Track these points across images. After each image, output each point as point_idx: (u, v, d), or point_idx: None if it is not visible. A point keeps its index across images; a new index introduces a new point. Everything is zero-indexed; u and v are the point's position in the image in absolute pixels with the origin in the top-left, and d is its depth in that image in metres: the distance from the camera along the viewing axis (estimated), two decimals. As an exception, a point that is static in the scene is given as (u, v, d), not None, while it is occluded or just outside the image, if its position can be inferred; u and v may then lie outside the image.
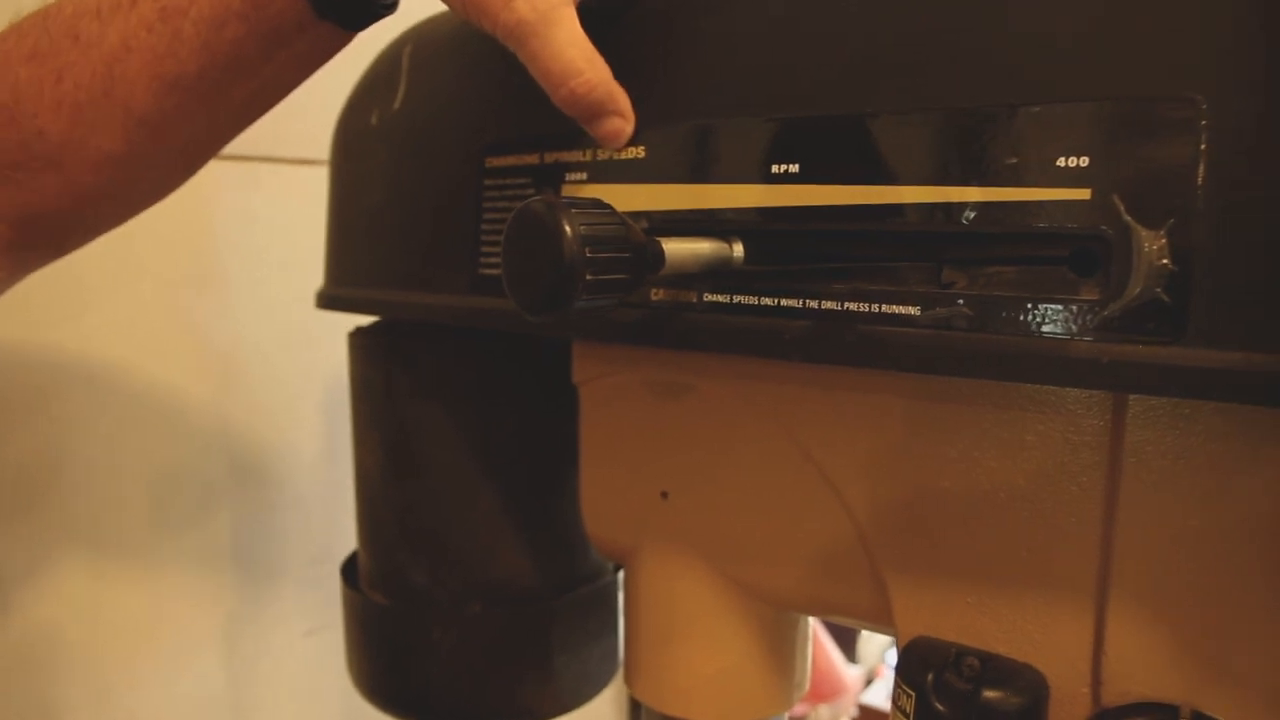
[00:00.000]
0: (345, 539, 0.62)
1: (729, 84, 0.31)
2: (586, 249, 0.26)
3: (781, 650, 0.41)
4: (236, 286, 0.66)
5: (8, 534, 0.59)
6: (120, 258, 0.62)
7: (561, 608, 0.47)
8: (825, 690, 1.22)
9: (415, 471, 0.47)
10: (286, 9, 0.33)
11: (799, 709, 1.23)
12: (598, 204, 0.28)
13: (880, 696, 1.17)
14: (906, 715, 0.31)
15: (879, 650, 1.29)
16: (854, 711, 1.18)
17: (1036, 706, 0.30)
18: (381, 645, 0.49)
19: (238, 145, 0.54)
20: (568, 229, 0.26)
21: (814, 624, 1.20)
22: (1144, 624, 0.28)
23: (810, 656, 0.44)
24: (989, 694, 0.30)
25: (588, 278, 0.26)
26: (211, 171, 0.58)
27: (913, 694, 0.30)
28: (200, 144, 0.39)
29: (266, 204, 0.68)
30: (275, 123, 0.40)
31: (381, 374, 0.47)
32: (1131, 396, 0.27)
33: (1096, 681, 0.29)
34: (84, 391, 0.61)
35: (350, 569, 0.52)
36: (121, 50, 0.34)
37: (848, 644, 1.29)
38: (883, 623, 0.34)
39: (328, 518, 0.75)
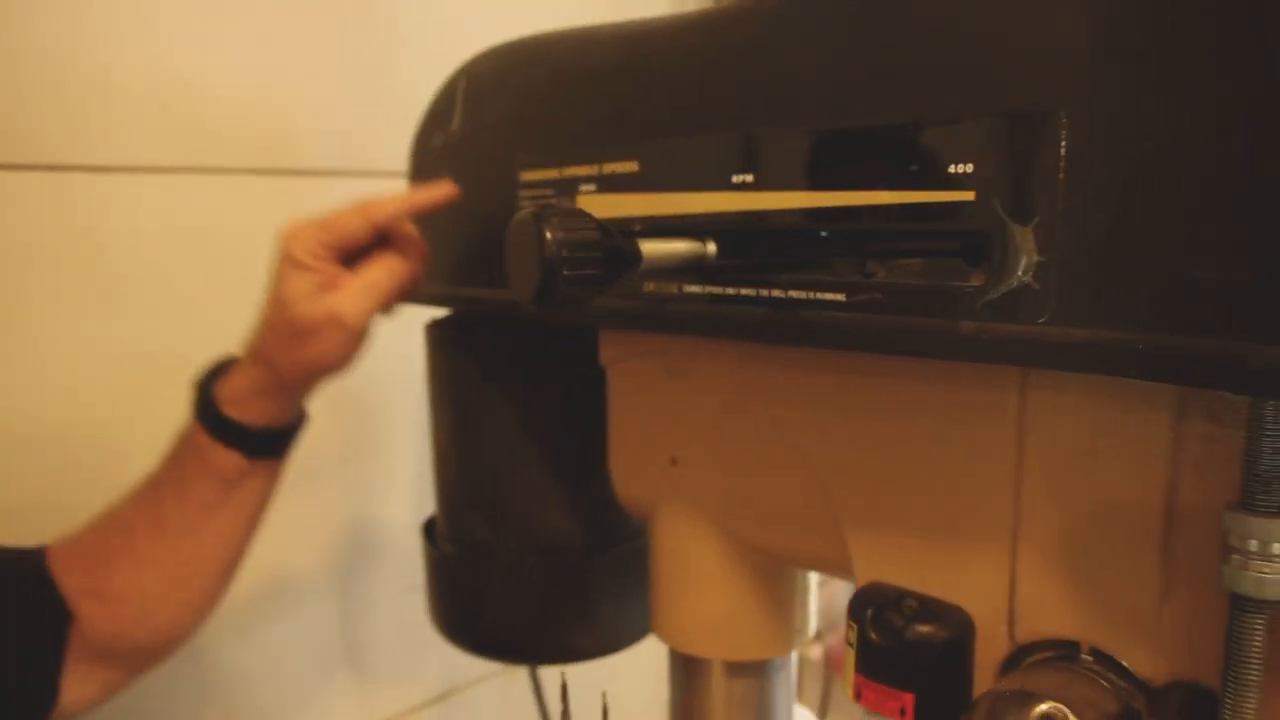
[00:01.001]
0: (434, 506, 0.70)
1: (695, 109, 0.37)
2: (564, 250, 0.32)
3: (779, 599, 0.46)
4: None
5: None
6: (248, 265, 0.72)
7: (602, 563, 0.54)
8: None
9: (477, 444, 0.54)
10: (229, 466, 0.49)
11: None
12: (578, 214, 0.34)
13: None
14: (852, 646, 0.36)
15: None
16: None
17: (962, 640, 0.34)
18: (452, 591, 0.57)
19: (326, 159, 0.62)
20: (548, 234, 0.32)
21: None
22: (1046, 571, 0.32)
23: (812, 606, 0.48)
24: (921, 628, 0.34)
25: (565, 273, 0.33)
26: (327, 185, 0.68)
27: (855, 627, 0.35)
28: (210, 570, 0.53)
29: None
30: (373, 142, 0.48)
31: (448, 361, 0.54)
32: (1031, 373, 0.32)
33: (1011, 620, 0.33)
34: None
35: (430, 528, 0.60)
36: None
37: None
38: (846, 572, 0.39)
39: (422, 489, 0.84)
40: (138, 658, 0.52)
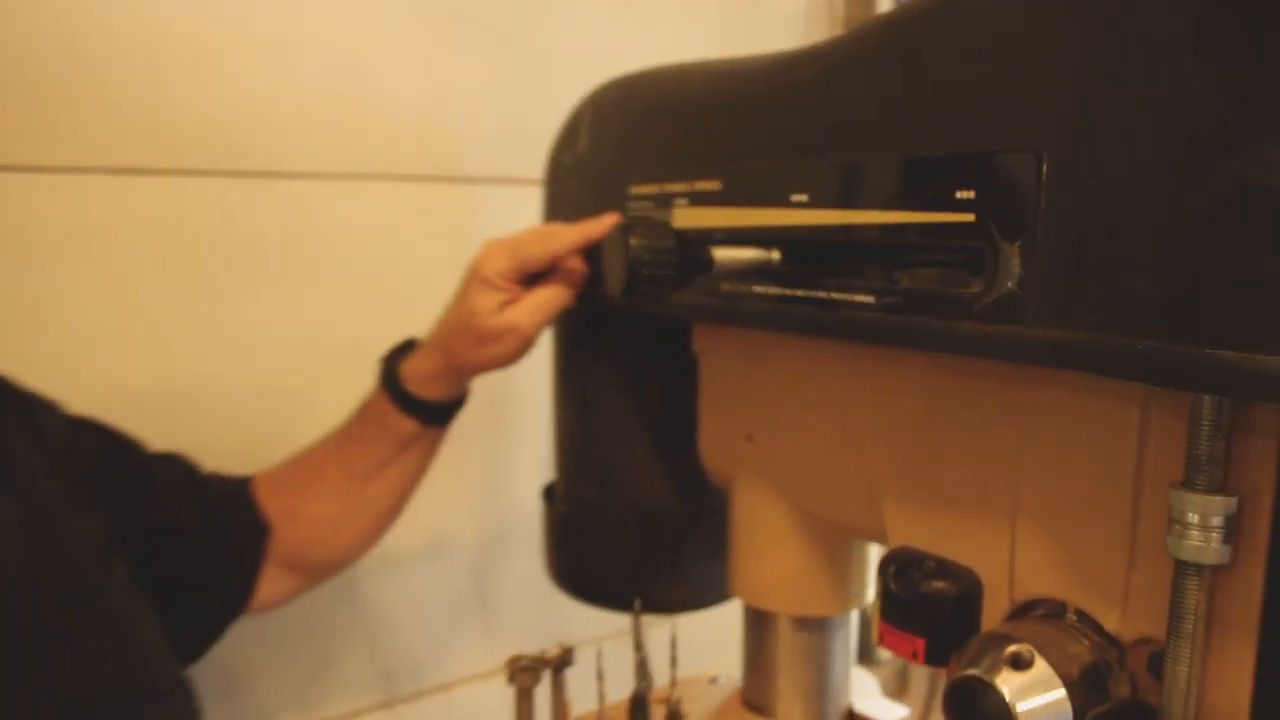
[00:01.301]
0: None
1: (763, 139, 0.44)
2: (645, 254, 0.41)
3: (840, 565, 0.53)
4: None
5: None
6: (418, 258, 0.84)
7: (693, 528, 0.61)
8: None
9: (591, 421, 0.63)
10: (406, 429, 0.61)
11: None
12: (660, 225, 0.42)
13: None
14: (879, 597, 0.42)
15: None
16: None
17: (970, 597, 0.40)
18: (565, 545, 0.66)
19: (493, 168, 0.73)
20: (632, 242, 0.41)
21: None
22: (1040, 541, 0.37)
23: (870, 575, 0.54)
24: (935, 584, 0.40)
25: (645, 273, 0.41)
26: (479, 190, 0.79)
27: (882, 581, 0.42)
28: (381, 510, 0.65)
29: (513, 211, 0.88)
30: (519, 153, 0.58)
31: (569, 351, 0.63)
32: (1026, 370, 0.37)
33: (1011, 582, 0.39)
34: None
35: (549, 492, 0.70)
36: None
37: None
38: (882, 538, 0.45)
39: (545, 464, 0.94)
40: (316, 571, 0.65)
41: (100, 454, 0.58)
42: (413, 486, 0.65)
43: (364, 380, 0.73)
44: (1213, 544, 0.31)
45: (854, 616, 0.56)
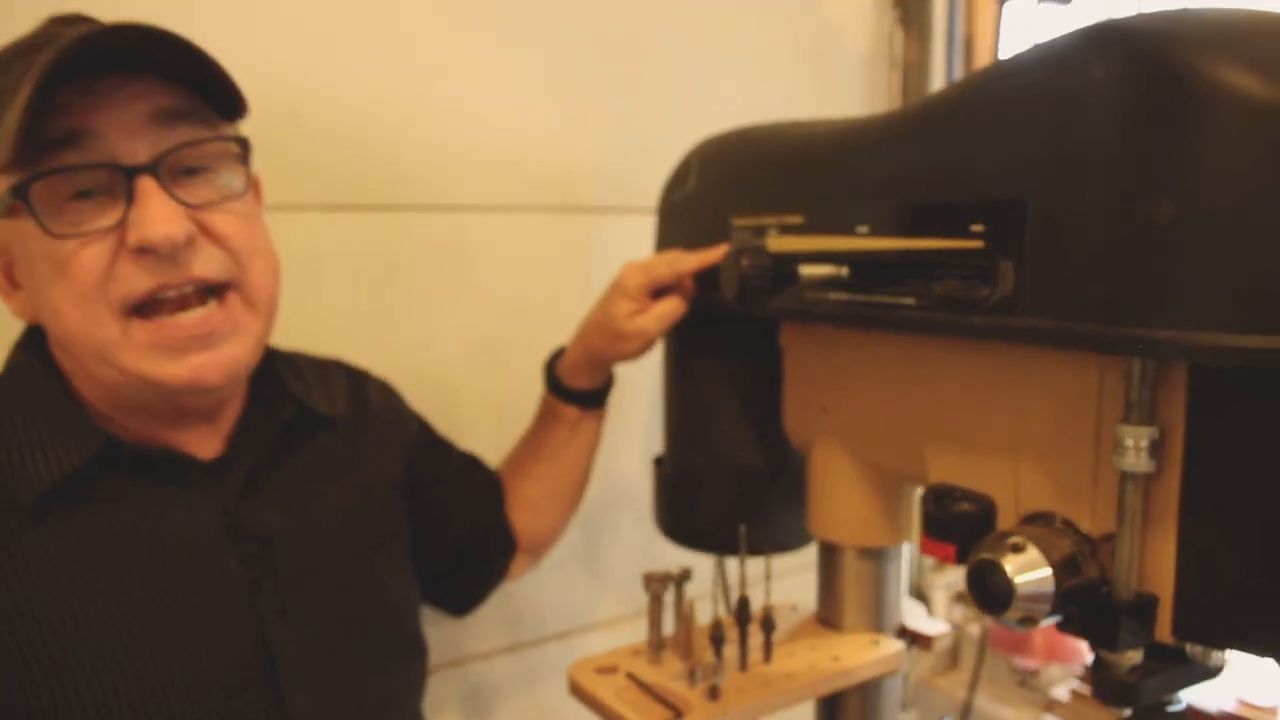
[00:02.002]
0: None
1: (834, 184, 0.60)
2: (751, 270, 0.57)
3: (894, 506, 0.68)
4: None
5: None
6: (546, 276, 1.02)
7: (778, 483, 0.77)
8: (1061, 653, 1.38)
9: (697, 401, 0.79)
10: (570, 415, 0.81)
11: (1033, 663, 1.40)
12: (761, 249, 0.59)
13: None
14: (922, 519, 0.58)
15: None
16: (1080, 670, 1.33)
17: (987, 514, 0.55)
18: (672, 502, 0.82)
19: (610, 199, 0.91)
20: (743, 261, 0.57)
21: None
22: (1036, 470, 0.53)
23: (916, 516, 0.70)
24: (962, 506, 0.56)
25: (751, 284, 0.57)
26: (593, 220, 0.97)
27: (923, 506, 0.57)
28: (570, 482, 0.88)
29: (630, 238, 1.05)
30: (631, 186, 0.76)
31: (680, 343, 0.80)
32: (1023, 348, 0.53)
33: (1016, 502, 0.54)
34: (540, 363, 1.02)
35: (658, 460, 0.86)
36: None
37: None
38: (924, 480, 0.60)
39: (649, 444, 1.11)
40: (540, 546, 0.88)
41: (431, 455, 0.82)
42: (589, 460, 0.84)
43: (503, 375, 0.91)
44: (1143, 459, 0.46)
45: (905, 549, 0.71)
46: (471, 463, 0.87)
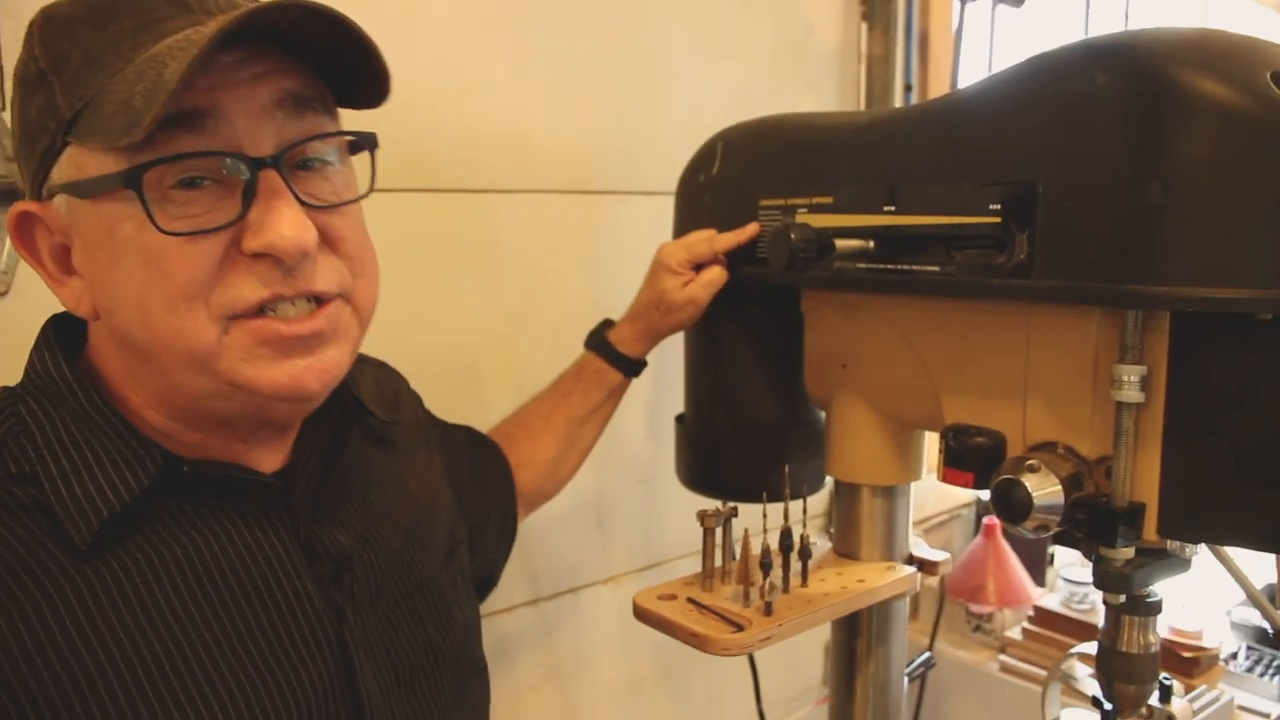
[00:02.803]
0: (664, 423, 1.04)
1: (863, 168, 0.70)
2: (799, 244, 0.67)
3: (904, 449, 0.79)
4: (616, 265, 1.11)
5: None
6: (559, 254, 1.10)
7: (796, 435, 0.87)
8: (1012, 599, 1.53)
9: (723, 363, 0.89)
10: (616, 380, 0.85)
11: (988, 608, 1.55)
12: (806, 226, 0.68)
13: (1052, 602, 1.46)
14: (941, 451, 0.68)
15: (1055, 576, 1.58)
16: (1030, 612, 1.48)
17: (999, 446, 0.66)
18: (696, 455, 0.91)
19: (611, 183, 1.00)
20: (792, 235, 0.67)
21: (1011, 555, 1.53)
22: (1041, 407, 0.64)
23: (924, 456, 0.81)
24: (976, 439, 0.67)
25: (800, 256, 0.67)
26: (600, 201, 1.05)
27: (943, 440, 0.68)
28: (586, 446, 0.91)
29: (632, 219, 1.14)
30: (644, 170, 0.84)
31: (707, 312, 0.89)
32: (1032, 305, 0.63)
33: (1024, 435, 0.65)
34: (553, 337, 1.10)
35: (680, 418, 0.95)
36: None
37: (1039, 574, 1.61)
38: (938, 425, 0.71)
39: (653, 412, 1.20)
40: (539, 502, 0.91)
41: (470, 452, 0.82)
42: (604, 427, 0.91)
43: (521, 349, 0.98)
44: (1135, 392, 0.57)
45: (912, 487, 0.82)
46: (479, 442, 0.87)
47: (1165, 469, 0.59)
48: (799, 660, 1.47)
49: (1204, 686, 0.84)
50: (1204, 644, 1.35)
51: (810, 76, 1.34)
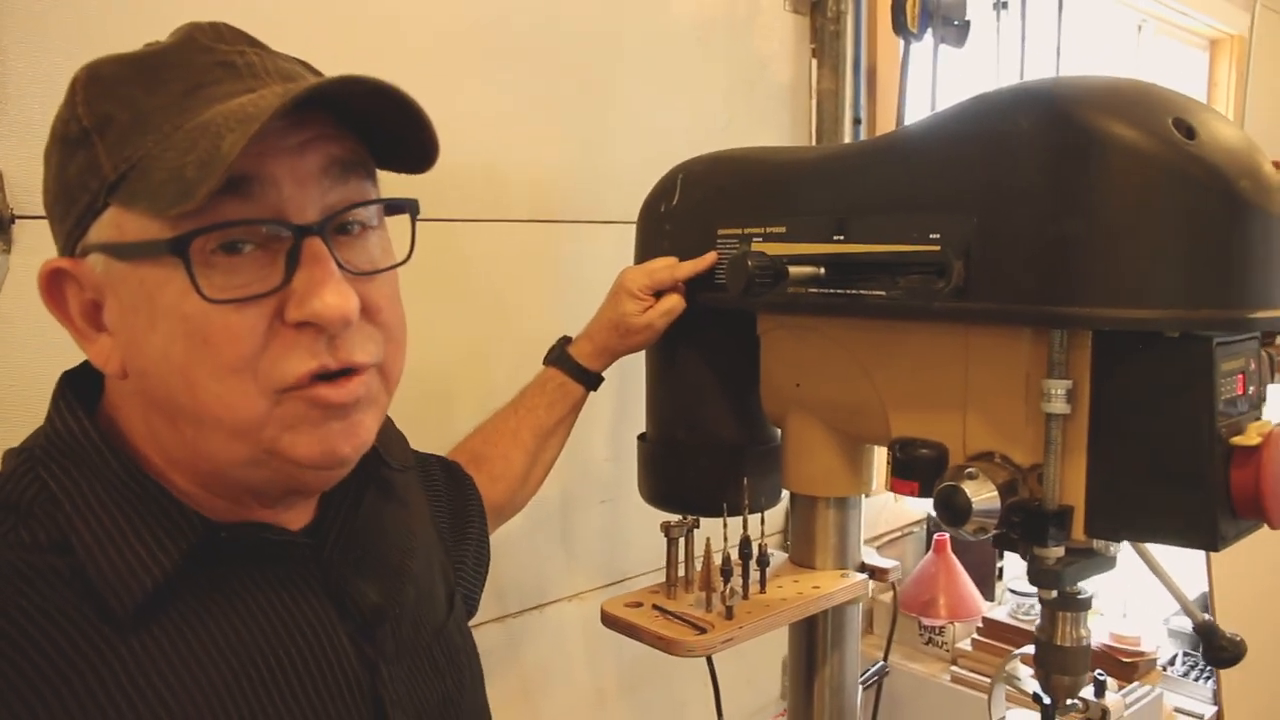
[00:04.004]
0: (626, 444, 1.08)
1: (814, 200, 0.76)
2: (755, 270, 0.72)
3: (856, 463, 0.84)
4: (579, 292, 1.16)
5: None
6: (523, 279, 1.14)
7: (754, 453, 0.92)
8: (962, 612, 1.59)
9: (678, 377, 0.93)
10: (578, 393, 0.87)
11: (939, 621, 1.60)
12: (761, 254, 0.73)
13: (1000, 614, 1.53)
14: (889, 463, 0.73)
15: (1004, 590, 1.65)
16: (979, 624, 1.54)
17: (942, 457, 0.71)
18: (658, 471, 0.95)
19: (574, 212, 1.04)
20: (749, 263, 0.72)
21: (961, 570, 1.58)
22: (980, 421, 0.69)
23: (875, 469, 0.86)
24: (921, 451, 0.72)
25: (756, 282, 0.72)
26: (564, 230, 1.10)
27: (890, 453, 0.73)
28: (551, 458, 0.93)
29: (595, 247, 1.18)
30: (598, 200, 0.89)
31: (668, 335, 0.94)
32: (970, 325, 0.69)
33: (964, 446, 0.70)
34: (519, 360, 1.13)
35: (642, 437, 0.99)
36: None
37: (988, 589, 1.67)
38: (886, 440, 0.76)
39: (617, 433, 1.24)
40: (508, 514, 0.93)
41: (446, 488, 0.81)
42: (566, 439, 0.94)
43: (489, 372, 1.02)
44: (1061, 404, 0.63)
45: (866, 505, 0.87)
46: (452, 474, 0.86)
47: (1090, 474, 0.64)
48: (758, 676, 1.51)
49: (1136, 683, 0.89)
50: (1141, 649, 1.42)
51: (764, 110, 1.41)
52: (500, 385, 1.01)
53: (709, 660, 0.95)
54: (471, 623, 1.13)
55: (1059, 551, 0.65)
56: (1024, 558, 0.68)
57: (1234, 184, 0.56)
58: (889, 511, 1.75)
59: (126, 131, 0.48)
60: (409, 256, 0.57)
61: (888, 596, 1.70)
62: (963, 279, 0.65)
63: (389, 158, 0.55)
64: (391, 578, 0.63)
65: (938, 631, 1.64)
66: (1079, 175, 0.59)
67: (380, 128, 0.52)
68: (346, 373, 0.51)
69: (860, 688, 1.13)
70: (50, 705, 0.46)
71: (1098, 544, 0.66)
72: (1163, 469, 0.61)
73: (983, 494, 0.65)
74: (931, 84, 1.38)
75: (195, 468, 0.53)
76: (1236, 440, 0.59)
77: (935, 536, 1.67)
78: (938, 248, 0.67)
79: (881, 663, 1.23)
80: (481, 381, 1.11)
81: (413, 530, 0.69)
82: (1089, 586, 0.70)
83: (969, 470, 0.66)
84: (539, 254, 1.17)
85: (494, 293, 1.13)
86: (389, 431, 0.74)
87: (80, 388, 0.55)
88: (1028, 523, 0.65)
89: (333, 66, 0.97)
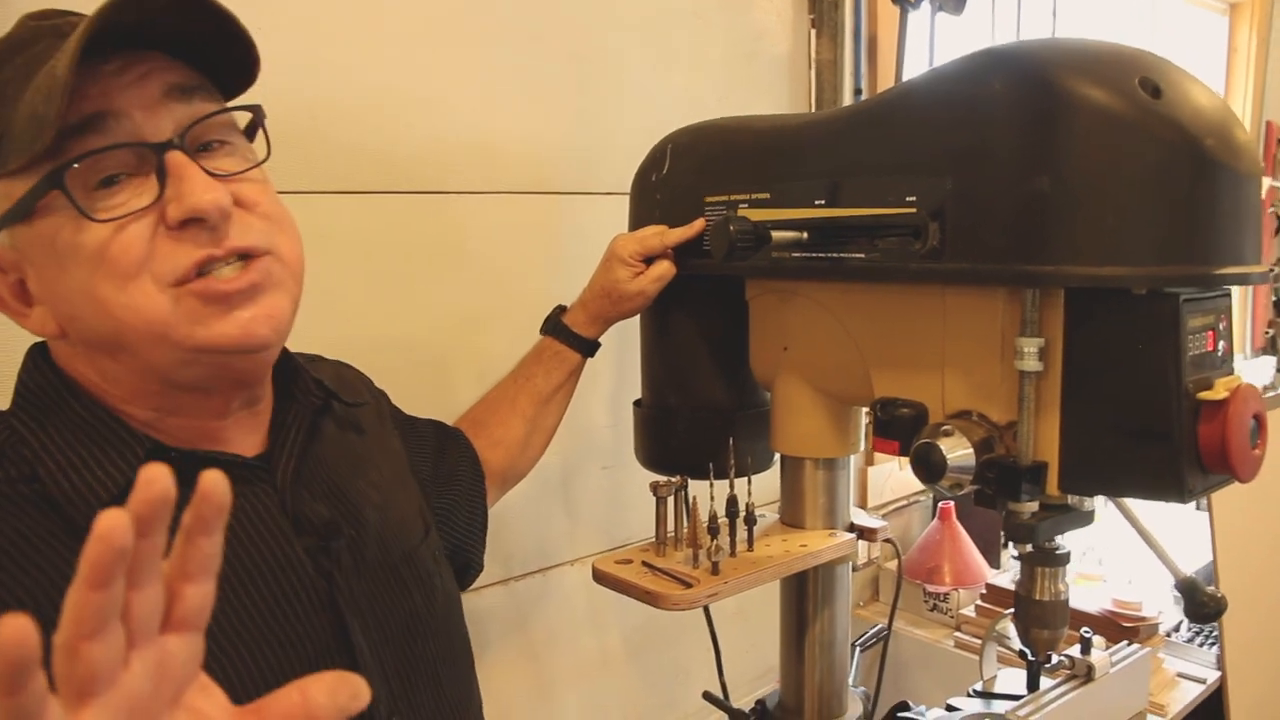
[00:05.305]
0: (627, 410, 1.10)
1: (796, 167, 0.77)
2: (737, 234, 0.73)
3: (843, 425, 0.86)
4: (576, 263, 1.17)
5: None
6: (522, 252, 1.16)
7: (744, 417, 0.94)
8: (967, 578, 1.60)
9: (671, 344, 0.95)
10: (574, 360, 0.91)
11: (943, 588, 1.62)
12: (743, 219, 0.74)
13: (1004, 581, 1.54)
14: (870, 424, 0.75)
15: (1008, 557, 1.66)
16: (983, 590, 1.56)
17: (922, 416, 0.73)
18: (652, 435, 0.97)
19: (572, 184, 1.06)
20: (731, 227, 0.73)
21: (966, 537, 1.60)
22: (957, 379, 0.71)
23: (862, 430, 0.87)
24: (901, 410, 0.73)
25: (737, 245, 0.73)
26: (560, 201, 1.11)
27: (872, 413, 0.74)
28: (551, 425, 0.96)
29: (591, 218, 1.20)
30: (594, 171, 0.90)
31: (660, 302, 0.95)
32: (946, 286, 0.70)
33: (943, 405, 0.72)
34: (516, 330, 1.15)
35: (638, 402, 1.01)
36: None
37: (993, 556, 1.69)
38: (869, 400, 0.77)
39: (616, 400, 1.26)
40: (511, 481, 0.96)
41: (434, 443, 0.86)
42: (565, 408, 0.96)
43: (485, 341, 1.04)
44: (1034, 361, 0.64)
45: (852, 460, 0.89)
46: (445, 432, 0.91)
47: (1064, 430, 0.65)
48: (761, 641, 1.53)
49: (1125, 642, 0.91)
50: (1143, 614, 1.43)
51: (762, 81, 1.41)
52: (499, 356, 1.03)
53: (710, 624, 0.98)
54: (475, 585, 1.17)
55: (1033, 507, 0.66)
56: (1000, 513, 0.69)
57: (1199, 141, 0.57)
58: (895, 479, 1.76)
59: None
60: (268, 155, 0.63)
61: (893, 565, 1.72)
62: (938, 240, 0.66)
63: (228, 81, 0.61)
64: (350, 501, 0.67)
65: (942, 598, 1.65)
66: (1047, 135, 0.60)
67: (214, 53, 0.58)
68: (243, 260, 0.57)
69: (859, 649, 1.15)
70: (25, 605, 0.49)
71: (1073, 499, 0.67)
72: (1132, 424, 0.62)
73: (957, 450, 0.66)
74: (929, 52, 1.38)
75: (146, 392, 0.58)
76: (1204, 395, 0.60)
77: (940, 504, 1.69)
78: (914, 210, 0.68)
79: (880, 624, 1.26)
80: (480, 352, 1.13)
81: (380, 464, 0.73)
82: (1066, 542, 0.72)
83: (944, 428, 0.67)
84: (537, 225, 1.19)
85: (492, 264, 1.14)
86: (344, 373, 0.81)
87: (50, 353, 0.61)
88: (1001, 478, 0.66)
89: (324, 44, 0.99)
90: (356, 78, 1.02)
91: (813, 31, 1.46)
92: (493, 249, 1.15)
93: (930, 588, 1.66)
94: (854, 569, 1.73)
